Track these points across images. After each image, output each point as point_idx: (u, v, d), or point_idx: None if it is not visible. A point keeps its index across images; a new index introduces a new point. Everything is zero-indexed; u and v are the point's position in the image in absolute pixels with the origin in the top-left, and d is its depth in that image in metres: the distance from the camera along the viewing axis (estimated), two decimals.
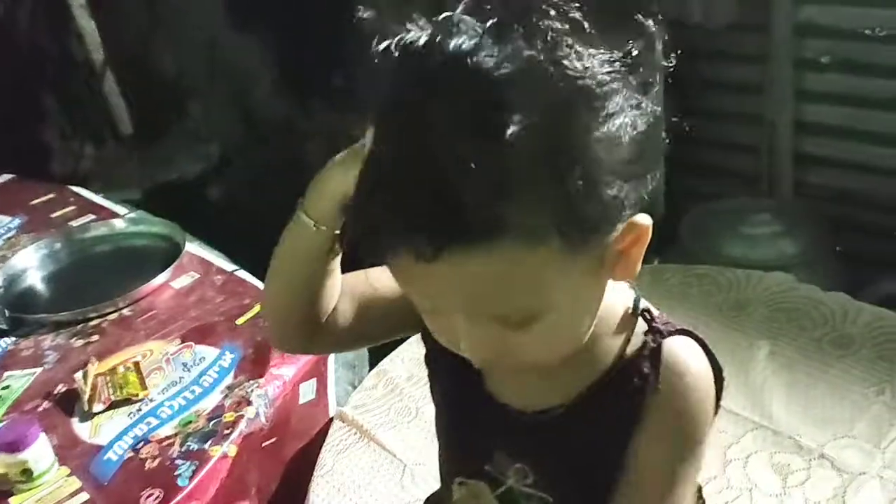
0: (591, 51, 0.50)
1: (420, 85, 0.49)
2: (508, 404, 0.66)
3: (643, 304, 0.65)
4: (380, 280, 0.69)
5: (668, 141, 0.56)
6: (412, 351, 1.30)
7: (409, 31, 0.51)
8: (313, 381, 1.24)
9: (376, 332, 0.75)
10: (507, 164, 0.47)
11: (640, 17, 0.52)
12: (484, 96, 0.47)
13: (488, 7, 0.50)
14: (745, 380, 1.17)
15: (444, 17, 0.50)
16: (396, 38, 0.51)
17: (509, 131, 0.46)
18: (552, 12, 0.49)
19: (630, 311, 0.64)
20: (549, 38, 0.48)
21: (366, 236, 0.52)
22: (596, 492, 0.62)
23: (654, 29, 0.52)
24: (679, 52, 0.55)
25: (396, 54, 0.50)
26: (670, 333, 0.62)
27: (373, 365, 1.35)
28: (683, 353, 0.61)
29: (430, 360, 0.75)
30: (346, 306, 0.70)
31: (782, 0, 1.90)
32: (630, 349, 0.62)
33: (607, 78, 0.49)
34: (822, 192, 2.06)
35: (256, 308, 1.32)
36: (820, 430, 1.08)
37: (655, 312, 0.65)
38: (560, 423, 0.64)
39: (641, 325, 0.63)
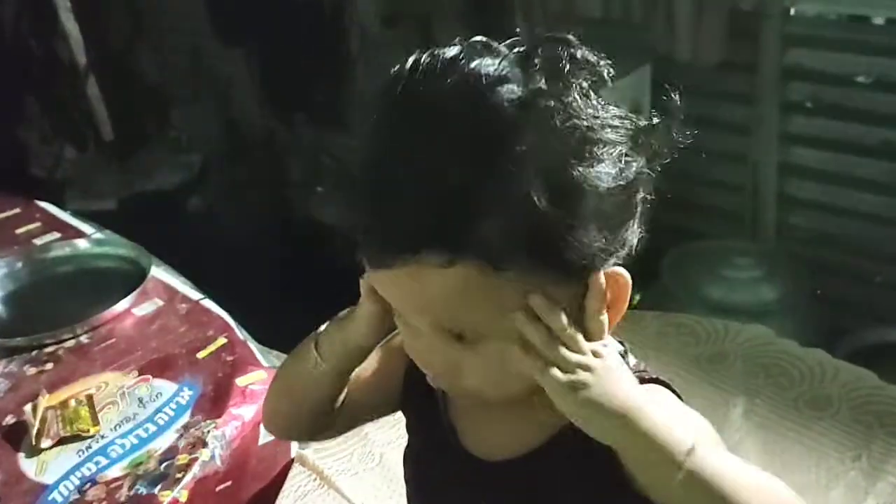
0: (608, 106, 0.54)
1: (424, 96, 0.52)
2: (477, 455, 0.65)
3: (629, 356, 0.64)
4: (366, 370, 0.73)
5: (652, 176, 0.57)
6: None
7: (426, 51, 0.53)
8: None
9: (360, 417, 0.79)
10: (485, 187, 0.49)
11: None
12: (484, 124, 0.50)
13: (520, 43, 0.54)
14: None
15: (473, 40, 0.54)
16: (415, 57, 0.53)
17: (499, 157, 0.49)
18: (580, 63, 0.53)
19: None
20: (563, 80, 0.52)
21: (345, 226, 0.55)
22: None
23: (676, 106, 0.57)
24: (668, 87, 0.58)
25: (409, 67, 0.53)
26: (642, 382, 0.60)
27: None
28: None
29: (406, 407, 0.74)
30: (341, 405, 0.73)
31: (771, 42, 1.90)
32: None
33: (609, 130, 0.53)
34: (805, 234, 2.06)
35: (220, 341, 1.28)
36: None
37: (632, 361, 0.64)
38: (530, 469, 0.62)
39: None
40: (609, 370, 0.54)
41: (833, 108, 1.92)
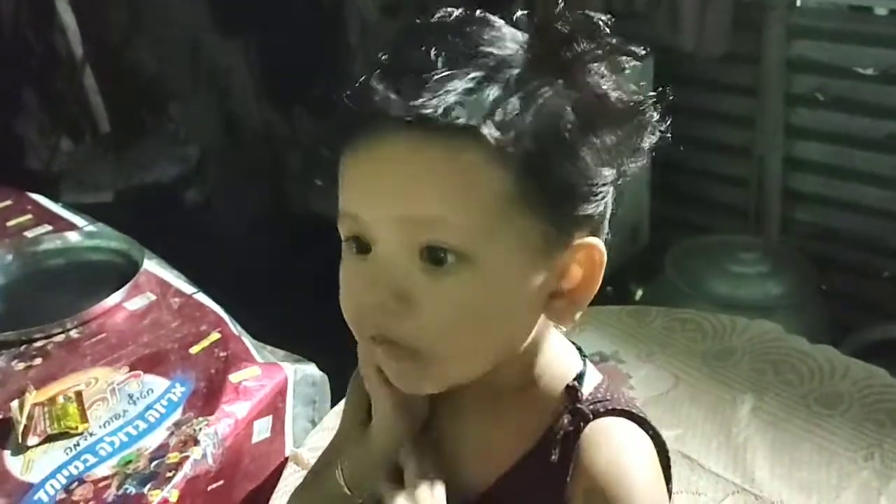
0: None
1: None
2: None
3: (588, 374, 0.59)
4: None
5: (655, 169, 0.55)
6: None
7: None
8: (269, 419, 1.16)
9: None
10: (504, 83, 0.48)
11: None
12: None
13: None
14: (727, 438, 1.11)
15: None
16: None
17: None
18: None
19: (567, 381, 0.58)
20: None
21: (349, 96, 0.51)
22: None
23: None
24: (671, 79, 0.56)
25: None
26: (597, 415, 0.56)
27: (335, 401, 1.27)
28: (605, 441, 0.55)
29: None
30: None
31: (775, 34, 1.87)
32: (559, 424, 0.56)
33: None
34: (810, 229, 2.03)
35: (213, 336, 1.25)
36: (805, 497, 1.02)
37: (592, 385, 0.58)
38: (494, 495, 0.58)
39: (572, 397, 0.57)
40: None
41: (838, 100, 1.89)
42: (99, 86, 3.11)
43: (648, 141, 0.53)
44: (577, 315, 0.54)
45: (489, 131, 0.47)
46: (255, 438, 1.14)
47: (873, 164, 1.88)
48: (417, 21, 0.53)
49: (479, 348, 0.53)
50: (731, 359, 1.24)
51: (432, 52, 0.49)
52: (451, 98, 0.47)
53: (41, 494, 1.00)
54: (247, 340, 1.26)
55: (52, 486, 1.01)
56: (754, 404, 1.15)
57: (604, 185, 0.51)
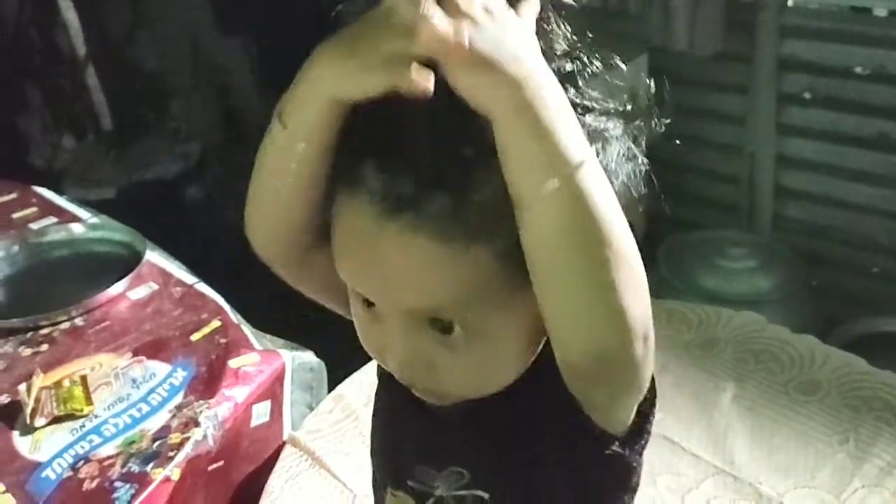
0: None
1: None
2: (435, 408, 0.62)
3: None
4: None
5: (648, 165, 0.56)
6: (372, 375, 1.26)
7: None
8: (267, 403, 1.20)
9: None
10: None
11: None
12: None
13: None
14: (708, 422, 1.15)
15: None
16: None
17: None
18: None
19: None
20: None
21: (352, 163, 0.49)
22: (530, 482, 0.59)
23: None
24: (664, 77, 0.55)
25: None
26: None
27: (332, 387, 1.32)
28: None
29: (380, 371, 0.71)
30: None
31: (767, 33, 1.91)
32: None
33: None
34: (800, 226, 2.06)
35: (214, 323, 1.29)
36: (781, 479, 1.06)
37: None
38: (485, 410, 0.59)
39: None
40: (509, 24, 0.44)
41: (829, 99, 1.93)
42: (101, 83, 3.14)
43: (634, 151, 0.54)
44: None
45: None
46: (254, 422, 1.18)
47: (863, 162, 1.92)
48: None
49: (496, 385, 0.56)
50: (715, 348, 1.28)
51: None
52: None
53: (48, 472, 1.04)
54: (246, 329, 1.30)
55: (59, 464, 1.05)
56: (736, 391, 1.19)
57: None
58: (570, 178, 0.44)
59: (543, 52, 0.47)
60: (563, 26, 0.52)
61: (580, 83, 0.52)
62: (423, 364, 0.53)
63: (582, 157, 0.45)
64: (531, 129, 0.44)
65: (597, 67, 0.53)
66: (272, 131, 0.52)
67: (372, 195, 0.48)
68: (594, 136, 0.52)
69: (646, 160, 0.56)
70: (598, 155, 0.51)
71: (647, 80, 0.55)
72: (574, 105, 0.49)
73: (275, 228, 0.59)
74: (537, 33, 0.48)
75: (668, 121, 0.55)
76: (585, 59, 0.52)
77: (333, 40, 0.47)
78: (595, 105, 0.53)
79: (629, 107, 0.54)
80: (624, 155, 0.54)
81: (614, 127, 0.53)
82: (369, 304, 0.54)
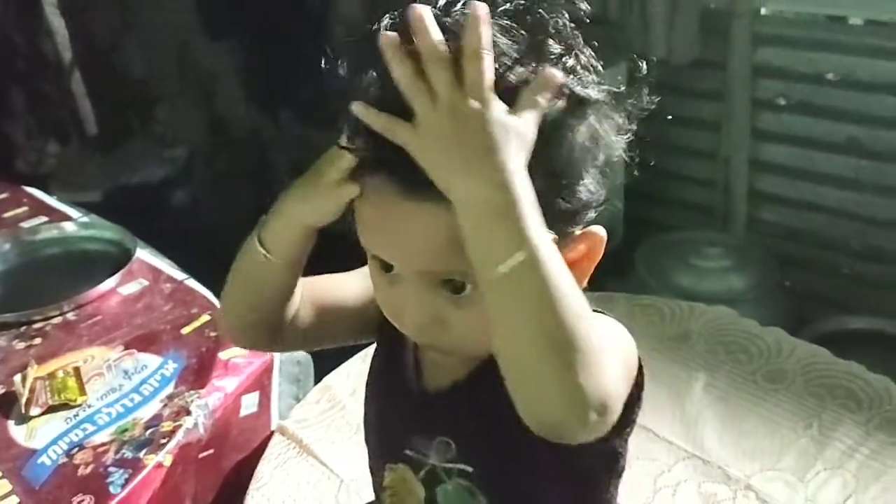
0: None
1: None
2: (428, 383, 0.67)
3: None
4: (344, 286, 0.73)
5: (632, 172, 0.60)
6: (358, 367, 1.30)
7: None
8: (256, 394, 1.24)
9: (338, 335, 0.76)
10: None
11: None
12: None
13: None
14: (681, 410, 1.20)
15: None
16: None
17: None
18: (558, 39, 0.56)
19: None
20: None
21: (368, 155, 0.55)
22: (513, 454, 0.62)
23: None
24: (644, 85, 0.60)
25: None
26: None
27: (318, 379, 1.35)
28: None
29: (381, 338, 0.75)
30: (308, 311, 0.72)
31: (741, 41, 1.96)
32: None
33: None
34: (774, 228, 2.12)
35: (203, 318, 1.32)
36: (748, 462, 1.11)
37: None
38: (472, 384, 0.64)
39: None
40: (495, 118, 0.49)
41: (802, 104, 1.98)
42: (86, 88, 3.15)
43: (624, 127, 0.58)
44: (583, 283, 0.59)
45: None
46: (243, 412, 1.22)
47: (834, 167, 1.97)
48: None
49: None
50: (688, 341, 1.33)
51: None
52: None
53: (44, 459, 1.07)
54: None
55: (54, 451, 1.08)
56: (707, 381, 1.24)
57: (581, 181, 0.56)
58: (519, 267, 0.47)
59: (543, 54, 0.54)
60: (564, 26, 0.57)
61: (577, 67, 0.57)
62: (437, 322, 0.58)
63: (532, 245, 0.47)
64: (480, 222, 0.48)
65: (592, 57, 0.58)
66: (251, 250, 0.64)
67: (390, 175, 0.54)
68: (594, 106, 0.56)
69: (625, 166, 0.60)
70: (598, 124, 0.57)
71: (625, 86, 0.60)
72: (571, 70, 0.55)
73: (250, 320, 0.70)
74: (535, 41, 0.54)
75: (647, 128, 0.60)
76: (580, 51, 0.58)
77: (298, 181, 0.61)
78: (592, 78, 0.57)
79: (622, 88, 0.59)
80: (619, 130, 0.58)
81: (610, 100, 0.57)
82: (387, 269, 0.59)
